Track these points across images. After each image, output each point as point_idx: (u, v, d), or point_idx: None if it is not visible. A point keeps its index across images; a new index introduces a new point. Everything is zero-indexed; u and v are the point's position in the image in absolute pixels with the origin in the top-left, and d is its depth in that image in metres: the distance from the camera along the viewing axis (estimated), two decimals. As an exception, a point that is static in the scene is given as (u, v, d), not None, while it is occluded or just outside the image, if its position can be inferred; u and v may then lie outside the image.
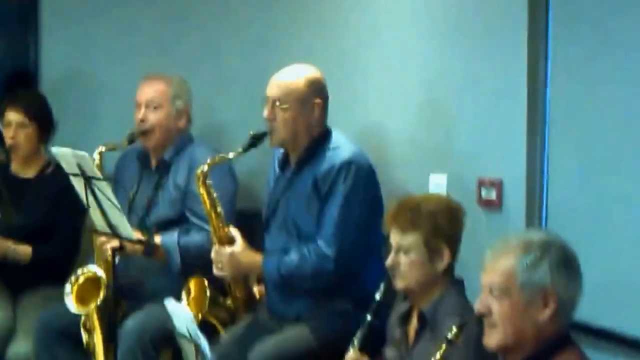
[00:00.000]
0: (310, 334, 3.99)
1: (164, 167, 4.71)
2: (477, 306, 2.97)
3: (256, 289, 4.36)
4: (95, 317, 4.45)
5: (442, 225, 3.46)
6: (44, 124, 5.00)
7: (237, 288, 4.32)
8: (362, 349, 3.47)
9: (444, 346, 2.98)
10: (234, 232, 4.20)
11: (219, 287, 4.31)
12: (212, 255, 4.19)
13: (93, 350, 4.47)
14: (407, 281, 3.46)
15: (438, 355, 2.98)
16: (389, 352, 3.57)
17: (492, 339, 2.93)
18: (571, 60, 3.81)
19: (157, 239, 4.52)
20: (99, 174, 4.11)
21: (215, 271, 4.18)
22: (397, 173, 4.47)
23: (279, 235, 4.19)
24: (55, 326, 4.56)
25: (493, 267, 2.95)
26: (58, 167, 4.56)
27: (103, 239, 4.40)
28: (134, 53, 5.41)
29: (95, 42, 5.53)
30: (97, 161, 4.48)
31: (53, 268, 4.80)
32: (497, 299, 2.92)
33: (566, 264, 2.92)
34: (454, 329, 2.99)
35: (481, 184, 4.09)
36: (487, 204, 4.08)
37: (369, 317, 3.51)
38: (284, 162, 4.28)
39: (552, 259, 2.91)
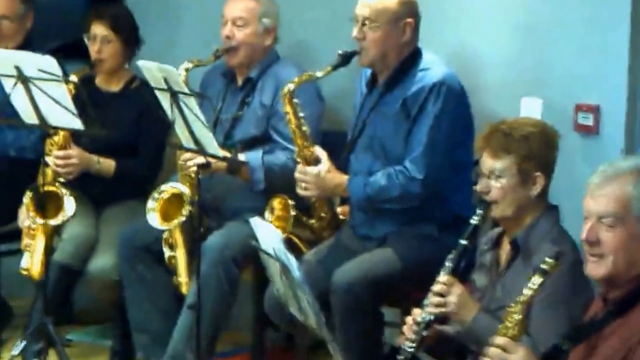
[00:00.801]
0: (396, 257, 3.94)
1: (250, 85, 4.65)
2: (584, 235, 2.83)
3: (340, 210, 4.30)
4: (178, 233, 4.42)
5: (536, 150, 3.36)
6: (130, 39, 4.95)
7: (321, 208, 4.27)
8: (454, 273, 3.38)
9: (539, 277, 2.82)
10: (320, 152, 4.14)
11: (303, 207, 4.26)
12: (297, 174, 4.14)
13: (175, 266, 4.45)
14: (500, 207, 3.37)
15: (535, 286, 2.82)
16: (479, 278, 3.50)
17: (600, 269, 2.80)
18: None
19: (242, 157, 4.47)
20: (185, 89, 4.06)
21: (299, 191, 4.13)
22: (490, 97, 4.36)
23: (365, 157, 4.13)
24: (137, 241, 4.56)
25: (603, 192, 2.80)
26: (143, 82, 4.53)
27: (188, 155, 4.36)
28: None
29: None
30: (183, 77, 4.39)
31: (136, 183, 4.80)
32: (609, 227, 2.78)
33: None
34: (550, 260, 2.83)
35: (578, 109, 3.98)
36: (583, 130, 3.98)
37: (463, 242, 3.41)
38: (372, 83, 4.19)
39: None
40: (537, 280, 2.81)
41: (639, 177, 2.78)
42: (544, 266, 2.82)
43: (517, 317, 2.81)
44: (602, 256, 2.80)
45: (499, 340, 2.79)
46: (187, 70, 4.47)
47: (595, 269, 2.81)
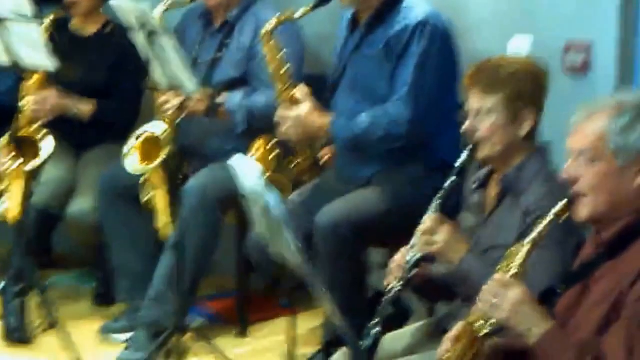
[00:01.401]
0: (381, 197, 3.91)
1: (228, 27, 4.58)
2: (564, 173, 2.78)
3: (322, 152, 4.24)
4: (158, 174, 4.34)
5: (525, 88, 3.27)
6: None
7: (303, 151, 4.24)
8: (442, 212, 3.30)
9: (548, 220, 2.75)
10: (302, 92, 4.07)
11: (285, 149, 4.23)
12: (277, 117, 4.08)
13: (154, 208, 4.36)
14: (488, 146, 3.29)
15: (539, 229, 2.75)
16: (466, 218, 3.43)
17: (583, 209, 2.74)
18: None
19: (221, 99, 4.40)
20: (161, 28, 3.98)
21: (280, 133, 4.08)
22: (476, 35, 4.30)
23: (348, 98, 4.06)
24: (117, 184, 4.52)
25: (582, 130, 2.75)
26: (118, 25, 4.45)
27: (164, 97, 4.30)
28: None
29: None
30: (158, 19, 4.32)
31: (115, 126, 4.75)
32: (587, 164, 2.72)
33: None
34: (562, 204, 2.75)
35: (568, 47, 3.91)
36: (573, 69, 3.92)
37: (452, 179, 3.34)
38: (353, 24, 4.11)
39: None
40: (546, 222, 2.75)
41: (615, 113, 2.72)
42: (555, 210, 2.75)
43: (520, 258, 2.75)
44: (584, 195, 2.74)
45: (496, 276, 2.74)
46: (163, 10, 4.39)
47: (577, 209, 2.75)
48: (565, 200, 2.77)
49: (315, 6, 4.03)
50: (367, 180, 4.00)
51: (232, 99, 4.42)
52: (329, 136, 4.06)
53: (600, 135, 2.71)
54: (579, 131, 2.76)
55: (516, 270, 2.74)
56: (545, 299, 2.78)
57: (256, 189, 3.16)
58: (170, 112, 4.28)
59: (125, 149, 4.35)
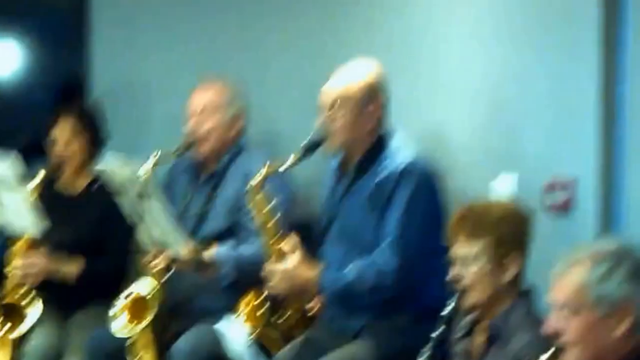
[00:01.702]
0: (369, 351, 3.85)
1: (216, 179, 4.59)
2: (547, 327, 2.81)
3: (311, 305, 4.17)
4: (145, 336, 4.31)
5: (509, 234, 3.28)
6: (96, 136, 4.89)
7: (292, 305, 4.18)
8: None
9: None
10: (290, 244, 4.03)
11: (274, 304, 4.18)
12: (265, 270, 4.04)
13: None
14: (474, 293, 3.29)
15: None
16: (453, 366, 3.41)
17: None
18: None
19: (210, 253, 4.37)
20: (148, 191, 4.02)
21: (268, 287, 4.04)
22: (461, 175, 4.29)
23: (337, 248, 4.04)
24: (105, 346, 4.43)
25: (562, 282, 2.79)
26: (105, 183, 4.47)
27: (152, 256, 4.29)
28: (187, 61, 5.30)
29: (146, 51, 5.46)
30: (151, 167, 4.38)
31: (103, 286, 4.68)
32: (569, 317, 2.76)
33: None
34: (550, 353, 2.79)
35: (550, 187, 3.90)
36: (556, 208, 3.89)
37: (437, 334, 3.34)
38: (340, 171, 4.12)
39: (626, 269, 2.75)
40: None
41: (592, 263, 2.76)
42: (544, 357, 2.80)
43: None
44: (569, 347, 2.76)
45: None
46: (156, 161, 4.41)
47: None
48: (552, 350, 2.79)
49: (301, 158, 4.04)
50: (356, 332, 3.94)
51: (220, 250, 4.39)
52: (317, 288, 4.00)
53: (580, 287, 2.76)
54: (559, 284, 2.81)
55: None
56: None
57: (243, 354, 3.16)
58: (157, 271, 4.27)
59: (112, 312, 4.32)
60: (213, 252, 4.39)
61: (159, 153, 4.45)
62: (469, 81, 4.33)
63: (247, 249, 4.37)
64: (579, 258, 2.79)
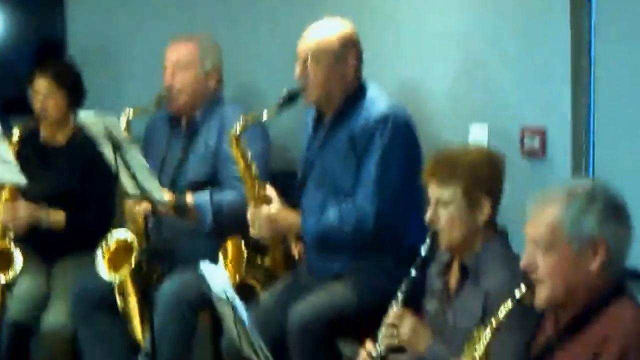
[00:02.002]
0: (351, 292, 3.94)
1: (194, 129, 4.63)
2: (523, 262, 2.87)
3: (295, 248, 4.27)
4: (129, 282, 4.41)
5: (482, 177, 3.36)
6: (74, 91, 4.93)
7: (275, 248, 4.26)
8: (406, 304, 3.39)
9: (510, 304, 2.85)
10: (270, 192, 4.13)
11: (257, 247, 4.25)
12: (249, 216, 4.12)
13: (128, 315, 4.43)
14: (448, 235, 3.37)
15: (503, 313, 2.85)
16: (429, 304, 3.50)
17: (541, 296, 2.83)
18: (616, 12, 3.74)
19: (189, 199, 4.44)
20: (127, 138, 4.05)
21: (252, 232, 4.11)
22: (437, 126, 4.37)
23: (316, 194, 4.11)
24: (90, 293, 4.52)
25: (537, 219, 2.85)
26: (88, 134, 4.46)
27: (133, 203, 4.34)
28: (161, 16, 5.35)
29: (121, 7, 5.50)
30: (124, 124, 4.43)
31: (87, 234, 4.72)
32: (544, 253, 2.82)
33: (614, 211, 2.81)
34: (523, 288, 2.86)
35: (524, 133, 4.00)
36: (530, 154, 3.99)
37: (413, 273, 3.43)
38: (318, 120, 4.19)
39: (599, 207, 2.80)
40: (509, 305, 2.85)
41: (567, 201, 2.81)
42: (517, 294, 2.85)
43: (484, 341, 2.85)
44: (542, 282, 2.82)
45: None
46: (128, 117, 4.45)
47: (537, 295, 2.84)
48: (525, 287, 2.85)
49: (281, 107, 4.09)
50: (337, 274, 4.03)
51: (200, 198, 4.44)
52: (299, 233, 4.11)
53: (555, 224, 2.81)
54: (534, 221, 2.86)
55: (481, 354, 2.84)
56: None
57: (224, 296, 3.23)
58: (139, 218, 4.31)
59: (96, 257, 4.39)
60: (193, 199, 4.45)
61: (131, 109, 4.50)
62: (445, 37, 4.39)
63: (227, 196, 4.43)
64: (553, 196, 2.84)
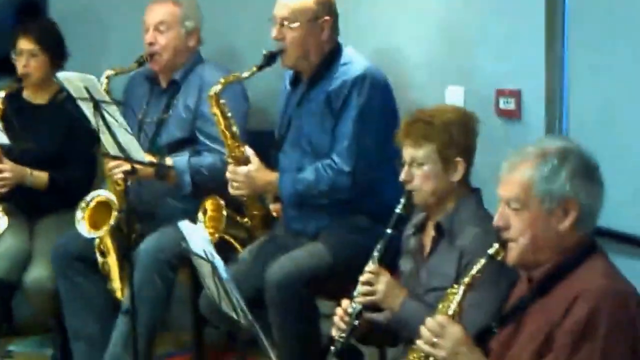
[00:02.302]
0: (328, 249, 3.98)
1: (174, 88, 4.66)
2: (495, 220, 2.90)
3: (273, 207, 4.31)
4: (108, 240, 4.46)
5: (456, 137, 3.41)
6: (56, 52, 4.97)
7: (254, 207, 4.31)
8: (381, 262, 3.44)
9: (484, 261, 2.89)
10: (249, 151, 4.16)
11: (236, 206, 4.29)
12: (228, 174, 4.16)
13: (108, 273, 4.48)
14: (422, 194, 3.42)
15: (475, 270, 2.90)
16: (405, 263, 3.55)
17: (513, 254, 2.87)
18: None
19: (168, 161, 4.47)
20: (107, 97, 4.07)
21: (231, 190, 4.15)
22: (414, 88, 4.42)
23: (293, 153, 4.16)
24: (71, 250, 4.56)
25: (509, 179, 2.88)
26: (70, 94, 4.46)
27: (113, 163, 4.37)
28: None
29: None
30: (104, 85, 4.45)
31: (69, 194, 4.76)
32: (516, 212, 2.85)
33: (585, 171, 2.84)
34: (496, 245, 2.89)
35: (499, 94, 4.04)
36: (506, 115, 4.04)
37: (389, 231, 3.48)
38: (295, 81, 4.23)
39: (571, 167, 2.82)
40: (481, 262, 2.89)
41: (539, 161, 2.84)
42: (490, 251, 2.89)
43: (457, 297, 2.89)
44: (514, 240, 2.86)
45: (438, 318, 2.86)
46: (108, 78, 4.47)
47: (508, 253, 2.88)
48: (497, 244, 2.89)
49: (261, 67, 4.12)
50: (315, 233, 4.08)
51: (179, 161, 4.47)
52: (277, 192, 4.14)
53: (526, 184, 2.84)
54: (506, 180, 2.88)
55: (453, 311, 2.89)
56: (482, 338, 2.91)
57: (203, 254, 3.27)
58: (118, 177, 4.34)
59: (78, 214, 4.43)
60: (171, 161, 4.47)
61: (111, 71, 4.51)
62: (422, 2, 4.43)
63: (206, 158, 4.47)
64: (526, 156, 2.86)
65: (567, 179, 2.81)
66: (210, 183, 4.37)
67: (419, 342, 2.89)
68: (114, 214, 4.39)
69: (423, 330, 2.86)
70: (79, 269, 4.56)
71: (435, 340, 2.83)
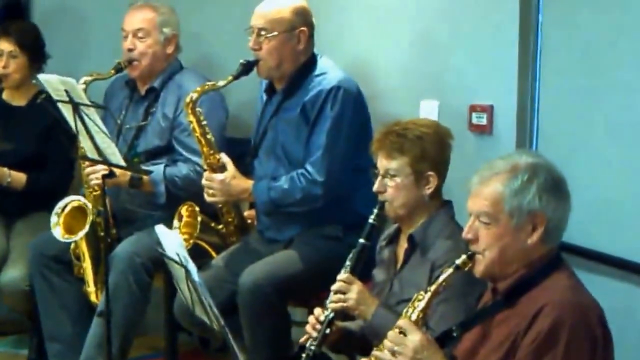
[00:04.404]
0: (301, 257, 4.04)
1: (153, 95, 4.69)
2: (464, 233, 2.95)
3: (247, 214, 4.38)
4: (83, 244, 4.49)
5: (429, 150, 3.44)
6: (36, 54, 5.01)
7: (229, 214, 4.35)
8: (354, 271, 3.49)
9: (450, 270, 2.93)
10: (225, 159, 4.20)
11: (211, 213, 4.33)
12: (203, 181, 4.20)
13: (83, 276, 4.51)
14: (394, 205, 3.47)
15: (442, 279, 2.93)
16: (378, 274, 3.60)
17: (480, 267, 2.92)
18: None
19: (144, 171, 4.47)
20: (86, 100, 4.08)
21: (206, 197, 4.20)
22: (388, 100, 4.46)
23: (268, 162, 4.21)
24: (47, 251, 4.59)
25: (479, 193, 2.92)
26: (49, 96, 4.47)
27: (90, 168, 4.38)
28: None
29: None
30: (82, 90, 4.41)
31: (47, 196, 4.79)
32: (485, 225, 2.89)
33: (554, 186, 2.88)
34: (464, 257, 2.93)
35: (472, 109, 4.10)
36: (478, 129, 4.09)
37: (361, 241, 3.52)
38: (270, 90, 4.27)
39: (540, 182, 2.86)
40: (448, 271, 2.93)
41: (509, 176, 2.88)
42: (457, 261, 2.93)
43: (422, 304, 2.93)
44: (481, 253, 2.90)
45: (399, 322, 2.91)
46: (85, 83, 4.46)
47: (476, 266, 2.92)
48: (465, 255, 2.93)
49: (238, 75, 4.16)
50: (288, 241, 4.13)
51: (155, 172, 4.49)
52: (252, 199, 4.21)
53: (496, 199, 2.88)
54: (476, 194, 2.93)
55: (417, 316, 2.92)
56: (443, 340, 2.95)
57: (177, 259, 3.31)
58: (95, 183, 4.36)
59: (53, 219, 4.45)
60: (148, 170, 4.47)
61: (88, 77, 4.51)
62: (397, 14, 4.46)
63: (181, 170, 4.51)
64: (496, 170, 2.91)
65: (536, 194, 2.85)
66: (185, 193, 4.42)
67: (378, 353, 2.94)
68: (89, 219, 4.42)
69: (385, 340, 2.91)
70: (55, 269, 4.60)
71: (396, 348, 2.87)
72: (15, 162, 4.83)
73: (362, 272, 3.55)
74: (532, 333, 2.77)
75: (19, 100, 5.03)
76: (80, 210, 4.49)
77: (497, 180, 2.89)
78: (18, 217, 4.94)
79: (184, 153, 4.52)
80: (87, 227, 4.41)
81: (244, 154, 4.39)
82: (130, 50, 4.64)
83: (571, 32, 3.80)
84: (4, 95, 5.03)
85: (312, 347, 3.45)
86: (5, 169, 4.79)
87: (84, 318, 4.52)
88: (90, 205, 4.46)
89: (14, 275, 4.69)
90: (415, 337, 2.86)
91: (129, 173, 4.43)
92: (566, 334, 2.72)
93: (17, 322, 5.18)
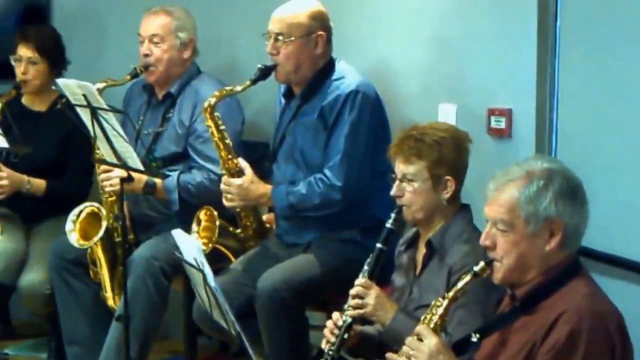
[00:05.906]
0: (319, 261, 4.03)
1: (170, 101, 4.69)
2: (482, 240, 2.94)
3: (266, 218, 4.37)
4: (99, 250, 4.50)
5: (447, 155, 3.44)
6: (56, 60, 5.02)
7: (247, 218, 4.36)
8: (372, 276, 3.48)
9: (468, 277, 2.93)
10: (243, 163, 4.21)
11: (229, 217, 4.33)
12: (222, 186, 4.20)
13: (100, 281, 4.53)
14: (412, 210, 3.46)
15: (460, 285, 2.93)
16: (397, 278, 3.60)
17: (498, 273, 2.91)
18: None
19: (158, 181, 4.51)
20: (104, 105, 4.09)
21: (224, 202, 4.20)
22: (406, 104, 4.45)
23: (287, 166, 4.21)
24: (67, 254, 4.61)
25: (496, 200, 2.91)
26: (69, 102, 4.47)
27: (105, 175, 4.42)
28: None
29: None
30: (99, 95, 4.43)
31: (66, 201, 4.77)
32: (502, 232, 2.89)
33: (570, 192, 2.87)
34: (482, 263, 2.92)
35: (491, 113, 4.10)
36: (496, 133, 4.09)
37: (379, 245, 3.51)
38: (289, 94, 4.28)
39: (556, 188, 2.85)
40: (466, 278, 2.92)
41: (524, 182, 2.87)
42: (475, 268, 2.92)
43: (440, 310, 2.93)
44: (500, 259, 2.90)
45: (417, 328, 2.91)
46: (99, 90, 4.36)
47: (494, 272, 2.92)
48: (483, 262, 2.93)
49: (256, 80, 4.16)
50: (307, 245, 4.13)
51: (169, 180, 4.50)
52: (270, 204, 4.20)
53: (512, 205, 2.87)
54: (492, 201, 2.92)
55: (435, 322, 2.93)
56: (462, 347, 2.95)
57: (195, 263, 3.32)
58: (113, 184, 4.37)
59: (68, 226, 4.47)
60: (161, 181, 4.51)
61: (103, 83, 4.48)
62: (416, 18, 4.46)
63: (195, 177, 4.51)
64: (511, 176, 2.90)
65: (552, 200, 2.84)
66: (197, 201, 4.41)
67: (393, 356, 2.94)
68: (104, 224, 4.43)
69: (403, 347, 2.91)
70: (75, 272, 4.62)
71: (412, 352, 2.88)
72: (35, 167, 4.85)
73: (380, 276, 3.55)
74: (550, 341, 2.76)
75: (39, 106, 5.05)
76: (95, 217, 4.51)
77: (513, 186, 2.88)
78: (38, 221, 4.96)
79: (199, 160, 4.53)
80: (101, 233, 4.43)
81: (261, 158, 4.40)
82: (146, 55, 4.64)
83: (590, 36, 3.80)
84: (24, 100, 5.05)
85: (331, 352, 3.45)
86: (25, 176, 4.81)
87: (103, 321, 4.52)
88: (104, 211, 4.48)
89: (34, 279, 4.71)
90: (431, 342, 2.87)
91: (144, 179, 4.44)
92: (584, 341, 2.71)
93: (36, 325, 5.22)
